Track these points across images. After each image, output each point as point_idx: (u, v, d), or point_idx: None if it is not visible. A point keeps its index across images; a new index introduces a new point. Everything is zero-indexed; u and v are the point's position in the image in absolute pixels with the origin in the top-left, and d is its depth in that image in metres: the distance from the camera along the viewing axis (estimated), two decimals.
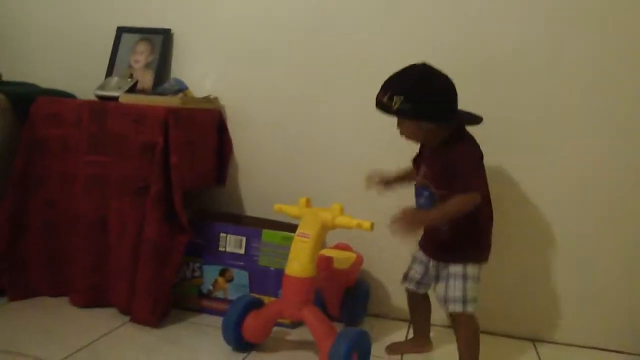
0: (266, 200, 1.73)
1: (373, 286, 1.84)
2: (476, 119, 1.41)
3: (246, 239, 1.73)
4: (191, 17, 2.00)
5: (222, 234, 1.75)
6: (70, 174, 1.71)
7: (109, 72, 2.01)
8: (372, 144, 1.77)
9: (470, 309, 1.38)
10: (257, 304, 1.52)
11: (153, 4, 2.04)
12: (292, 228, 1.53)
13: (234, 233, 1.74)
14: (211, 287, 1.74)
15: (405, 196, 1.47)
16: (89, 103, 1.74)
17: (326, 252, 1.70)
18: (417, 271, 1.53)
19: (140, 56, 2.01)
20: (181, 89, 1.88)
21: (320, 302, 1.65)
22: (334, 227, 1.45)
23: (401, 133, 1.42)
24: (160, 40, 2.00)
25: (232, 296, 1.69)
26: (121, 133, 1.65)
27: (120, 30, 2.05)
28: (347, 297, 1.71)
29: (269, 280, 1.68)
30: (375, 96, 1.40)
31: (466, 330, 1.41)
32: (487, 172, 1.47)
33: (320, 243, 1.47)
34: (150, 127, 1.62)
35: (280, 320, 1.61)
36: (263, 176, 1.94)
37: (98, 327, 1.58)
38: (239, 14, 1.94)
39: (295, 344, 1.60)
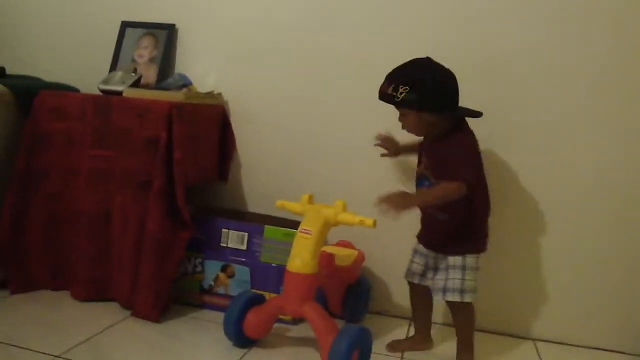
0: (268, 196, 1.73)
1: (374, 283, 1.84)
2: (476, 113, 1.44)
3: (248, 235, 1.73)
4: (196, 12, 1.99)
5: (224, 230, 1.75)
6: (73, 168, 1.71)
7: (113, 67, 2.01)
8: (374, 141, 1.78)
9: (467, 299, 1.44)
10: (259, 300, 1.52)
11: None
12: (294, 224, 1.54)
13: (235, 229, 1.74)
14: (212, 283, 1.74)
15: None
16: (93, 97, 1.74)
17: (328, 249, 1.69)
18: (419, 263, 1.56)
19: (144, 51, 2.01)
20: (185, 84, 1.88)
21: (321, 299, 1.65)
22: (336, 223, 1.45)
23: (403, 126, 1.46)
24: (165, 35, 2.00)
25: (233, 292, 1.69)
26: (125, 127, 1.65)
27: (125, 25, 2.05)
28: (348, 294, 1.72)
29: (270, 276, 1.68)
30: (377, 91, 1.42)
31: (462, 315, 1.49)
32: (487, 170, 1.48)
33: (323, 240, 1.48)
34: (154, 121, 1.62)
35: (281, 317, 1.61)
36: (265, 172, 1.94)
37: (99, 321, 1.58)
38: (243, 11, 1.94)
39: (296, 341, 1.60)
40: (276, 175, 1.93)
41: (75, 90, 1.96)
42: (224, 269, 1.73)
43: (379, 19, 1.81)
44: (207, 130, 1.84)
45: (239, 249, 1.73)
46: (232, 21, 1.96)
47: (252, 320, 1.47)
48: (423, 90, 1.36)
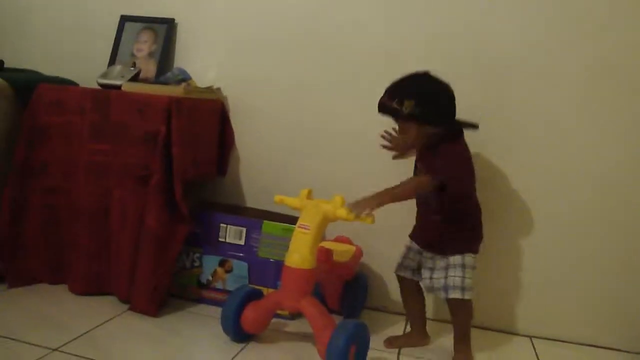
0: (267, 191, 1.74)
1: (372, 279, 1.85)
2: (472, 125, 1.47)
3: (246, 230, 1.73)
4: (195, 7, 1.99)
5: (222, 225, 1.75)
6: (72, 162, 1.71)
7: (112, 61, 2.01)
8: (374, 136, 1.77)
9: (467, 296, 1.46)
10: (256, 295, 1.53)
11: None
12: (293, 220, 1.54)
13: (234, 224, 1.74)
14: (210, 278, 1.74)
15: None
16: (92, 91, 1.73)
17: (326, 244, 1.70)
18: (413, 259, 1.58)
19: (143, 45, 2.00)
20: (184, 78, 1.88)
21: (319, 295, 1.65)
22: (335, 219, 1.45)
23: (403, 139, 1.49)
24: (164, 30, 1.99)
25: (231, 287, 1.70)
26: (124, 121, 1.65)
27: (124, 19, 2.05)
28: (346, 290, 1.72)
29: (268, 271, 1.68)
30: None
31: (462, 313, 1.49)
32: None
33: (321, 235, 1.48)
34: (153, 116, 1.62)
35: (279, 312, 1.62)
36: (264, 168, 1.94)
37: (97, 315, 1.58)
38: (242, 6, 1.94)
39: (293, 336, 1.61)
40: (275, 171, 1.93)
41: (74, 84, 1.95)
42: (222, 263, 1.73)
43: (379, 16, 1.81)
44: (206, 125, 1.84)
45: (237, 244, 1.73)
46: (232, 16, 1.95)
47: (250, 315, 1.47)
48: (428, 104, 1.39)
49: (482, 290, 1.60)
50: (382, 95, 1.45)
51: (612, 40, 1.65)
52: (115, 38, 2.04)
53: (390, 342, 1.60)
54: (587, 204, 1.71)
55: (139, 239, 1.62)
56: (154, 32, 2.00)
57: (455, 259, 1.48)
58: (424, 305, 1.63)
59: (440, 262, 1.51)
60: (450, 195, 1.43)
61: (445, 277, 1.48)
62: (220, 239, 1.75)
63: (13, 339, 1.39)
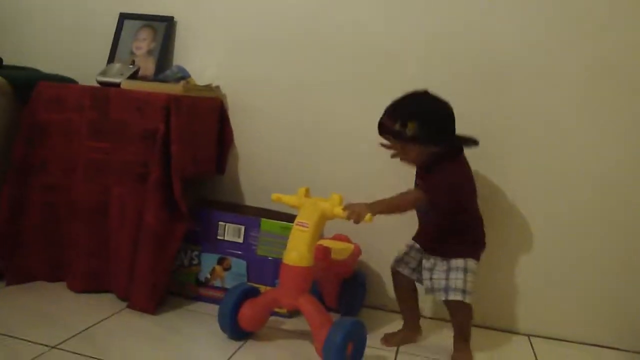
0: (266, 190, 1.73)
1: (370, 277, 1.85)
2: (473, 141, 1.47)
3: (245, 228, 1.73)
4: (194, 5, 1.99)
5: (220, 223, 1.75)
6: (71, 160, 1.71)
7: (111, 59, 2.01)
8: (374, 136, 1.77)
9: (468, 300, 1.46)
10: (254, 293, 1.53)
11: None
12: (291, 218, 1.54)
13: (232, 222, 1.75)
14: (209, 276, 1.74)
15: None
16: (91, 89, 1.73)
17: (324, 242, 1.70)
18: (414, 258, 1.58)
19: (142, 43, 2.00)
20: (183, 76, 1.88)
21: (317, 293, 1.65)
22: (333, 217, 1.45)
23: (402, 158, 1.48)
24: (163, 28, 1.99)
25: (229, 285, 1.69)
26: (123, 119, 1.65)
27: (123, 17, 2.05)
28: (344, 288, 1.72)
29: (266, 269, 1.68)
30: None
31: (462, 315, 1.49)
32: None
33: (319, 233, 1.48)
34: (152, 113, 1.62)
35: (277, 310, 1.62)
36: (263, 166, 1.94)
37: (95, 312, 1.58)
38: (241, 4, 1.94)
39: (291, 333, 1.61)
40: (274, 170, 1.93)
41: (73, 81, 1.95)
42: (220, 261, 1.73)
43: (379, 16, 1.81)
44: (205, 123, 1.84)
45: (236, 242, 1.73)
46: (231, 15, 1.95)
47: (247, 312, 1.47)
48: (431, 125, 1.40)
49: (482, 290, 1.60)
50: (381, 115, 1.44)
51: (612, 40, 1.65)
52: (115, 36, 2.04)
53: (387, 339, 1.60)
54: (587, 204, 1.71)
55: (137, 237, 1.62)
56: (153, 30, 2.00)
57: (458, 262, 1.48)
58: (417, 301, 1.64)
59: (442, 265, 1.50)
60: (446, 211, 1.45)
61: (447, 279, 1.48)
62: (218, 237, 1.75)
63: (12, 337, 1.39)
